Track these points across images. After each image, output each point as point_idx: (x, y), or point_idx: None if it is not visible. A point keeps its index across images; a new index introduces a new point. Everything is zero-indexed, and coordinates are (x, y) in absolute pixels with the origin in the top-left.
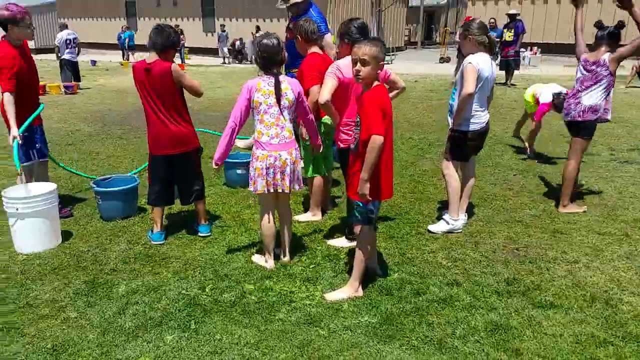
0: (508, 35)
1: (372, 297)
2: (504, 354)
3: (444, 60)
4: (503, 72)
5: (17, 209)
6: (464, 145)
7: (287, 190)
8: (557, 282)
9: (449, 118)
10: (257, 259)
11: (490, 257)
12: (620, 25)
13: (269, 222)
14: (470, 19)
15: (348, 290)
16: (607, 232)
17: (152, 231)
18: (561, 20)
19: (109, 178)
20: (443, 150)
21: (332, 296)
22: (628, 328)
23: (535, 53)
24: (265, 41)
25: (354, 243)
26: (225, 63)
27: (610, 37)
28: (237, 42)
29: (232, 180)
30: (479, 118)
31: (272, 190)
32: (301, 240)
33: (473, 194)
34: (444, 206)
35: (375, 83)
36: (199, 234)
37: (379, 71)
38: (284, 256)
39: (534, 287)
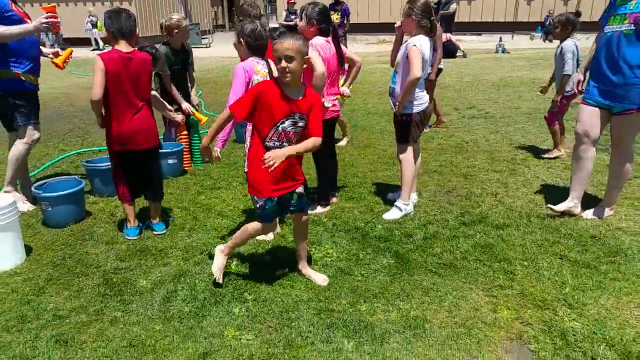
0: None
1: (376, 246)
2: (502, 263)
3: None
4: None
5: None
6: (411, 127)
7: None
8: (495, 209)
9: (391, 101)
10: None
11: (436, 200)
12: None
13: None
14: None
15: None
16: (499, 170)
17: (126, 227)
18: None
19: (45, 183)
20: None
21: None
22: (562, 230)
23: None
24: (254, 27)
25: (328, 208)
26: None
27: None
28: None
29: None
30: (422, 99)
31: None
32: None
33: (391, 153)
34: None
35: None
36: (154, 232)
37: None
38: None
39: (483, 215)
